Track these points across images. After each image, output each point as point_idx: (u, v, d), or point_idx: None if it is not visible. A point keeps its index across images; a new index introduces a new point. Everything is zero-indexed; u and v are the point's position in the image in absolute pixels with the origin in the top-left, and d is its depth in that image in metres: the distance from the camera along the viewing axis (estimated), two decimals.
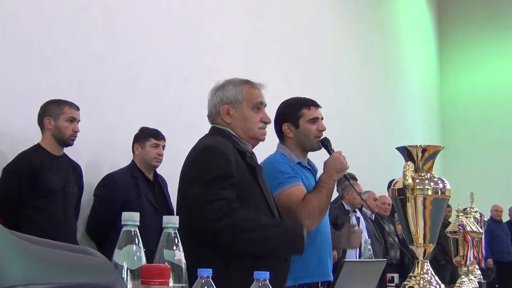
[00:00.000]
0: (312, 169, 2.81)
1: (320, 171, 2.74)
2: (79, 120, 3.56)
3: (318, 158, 2.88)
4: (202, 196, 2.09)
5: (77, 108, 3.56)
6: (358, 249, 5.40)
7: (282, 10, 6.84)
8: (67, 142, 3.53)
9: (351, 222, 5.42)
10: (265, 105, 2.38)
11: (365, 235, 5.67)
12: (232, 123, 2.32)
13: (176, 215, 2.25)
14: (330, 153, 2.69)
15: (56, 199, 3.44)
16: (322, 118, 2.78)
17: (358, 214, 6.00)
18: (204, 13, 5.40)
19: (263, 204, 2.25)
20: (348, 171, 2.72)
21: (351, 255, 5.23)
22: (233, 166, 2.16)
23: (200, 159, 2.19)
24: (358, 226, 5.55)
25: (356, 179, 6.14)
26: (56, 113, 3.48)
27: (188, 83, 5.09)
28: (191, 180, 2.17)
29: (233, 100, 2.32)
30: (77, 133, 3.54)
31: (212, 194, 2.09)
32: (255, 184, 2.25)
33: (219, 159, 2.16)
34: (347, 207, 5.51)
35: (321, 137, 2.73)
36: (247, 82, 2.37)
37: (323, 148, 2.74)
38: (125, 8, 4.52)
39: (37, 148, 3.48)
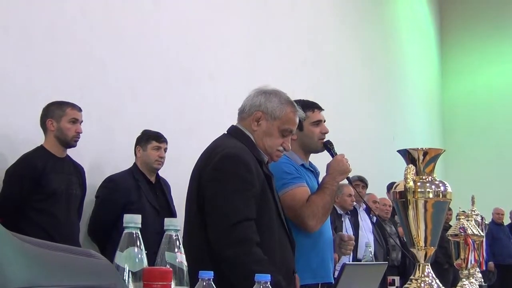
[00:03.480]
0: (314, 171, 2.83)
1: (322, 174, 2.75)
2: (82, 121, 3.56)
3: (319, 160, 2.89)
4: (226, 211, 2.07)
5: (79, 109, 3.57)
6: (351, 253, 5.40)
7: (283, 12, 6.85)
8: (70, 143, 3.53)
9: (344, 225, 5.41)
10: (292, 134, 2.37)
11: (367, 237, 5.68)
12: (257, 132, 2.29)
13: (186, 215, 2.25)
14: (332, 156, 2.71)
15: (58, 201, 3.44)
16: (324, 121, 2.80)
17: (364, 214, 5.99)
18: (205, 15, 5.40)
19: (276, 215, 2.24)
20: (352, 173, 2.75)
21: (344, 258, 5.23)
22: (255, 175, 2.15)
23: (221, 168, 2.14)
24: (356, 229, 5.55)
25: (365, 182, 6.14)
26: (58, 115, 3.49)
27: (190, 86, 5.09)
28: (213, 189, 2.13)
29: (270, 113, 2.28)
30: (80, 134, 3.54)
31: (237, 211, 2.07)
32: (270, 194, 2.23)
33: (241, 168, 2.13)
34: (339, 211, 5.49)
35: (324, 140, 2.75)
36: (292, 105, 2.33)
37: (325, 150, 2.76)
38: (126, 10, 4.52)
39: (40, 150, 3.49)
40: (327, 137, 2.79)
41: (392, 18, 10.92)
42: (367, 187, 6.27)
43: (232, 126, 2.36)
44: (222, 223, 2.08)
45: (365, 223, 5.93)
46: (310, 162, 2.84)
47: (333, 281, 2.66)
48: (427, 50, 13.01)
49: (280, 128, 2.28)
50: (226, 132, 2.36)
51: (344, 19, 8.56)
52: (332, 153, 2.73)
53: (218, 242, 2.08)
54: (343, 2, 8.62)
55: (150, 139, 4.03)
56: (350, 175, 2.78)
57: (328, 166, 2.67)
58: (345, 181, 2.87)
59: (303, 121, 2.72)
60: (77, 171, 3.66)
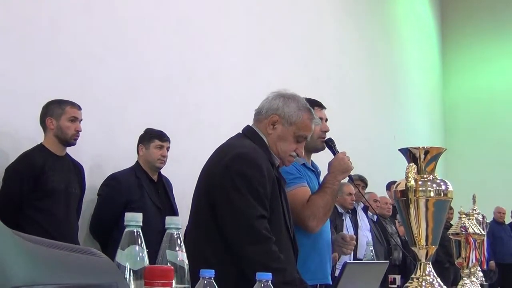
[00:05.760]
0: (315, 170, 2.81)
1: (324, 173, 2.74)
2: (81, 120, 3.56)
3: (321, 159, 2.88)
4: (242, 209, 2.07)
5: (79, 108, 3.57)
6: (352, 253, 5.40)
7: (284, 11, 6.84)
8: (70, 141, 3.53)
9: (344, 224, 5.39)
10: (307, 140, 2.36)
11: (368, 236, 5.67)
12: (271, 135, 2.28)
13: (193, 210, 2.24)
14: (334, 154, 2.69)
15: (58, 200, 3.45)
16: (326, 119, 2.78)
17: (362, 213, 5.98)
18: (206, 14, 5.40)
19: (281, 220, 2.22)
20: (352, 172, 2.73)
21: (345, 257, 5.23)
22: (266, 177, 2.14)
23: (233, 167, 2.13)
24: (355, 228, 5.55)
25: (365, 182, 6.13)
26: (58, 113, 3.49)
27: (191, 84, 5.09)
28: (226, 188, 2.11)
29: (286, 117, 2.27)
30: (80, 133, 3.54)
31: (251, 208, 2.07)
32: (279, 198, 2.22)
33: (252, 168, 2.12)
34: (340, 210, 5.47)
35: (325, 138, 2.74)
36: (309, 112, 2.32)
37: (327, 148, 2.74)
38: (127, 9, 4.52)
39: (40, 148, 3.49)
40: (328, 136, 2.77)
41: (393, 17, 10.92)
42: (366, 186, 6.26)
43: (247, 126, 2.35)
44: (239, 221, 2.07)
45: (363, 222, 5.92)
46: (312, 161, 2.82)
47: (330, 282, 2.67)
48: (428, 49, 13.00)
49: (295, 134, 2.28)
50: (240, 132, 2.35)
51: (345, 19, 8.55)
52: (334, 151, 2.71)
53: (237, 239, 2.08)
54: (344, 2, 8.62)
55: (153, 137, 4.03)
56: (352, 173, 2.76)
57: (330, 165, 2.65)
58: (346, 179, 2.86)
59: None
60: (76, 170, 3.66)
